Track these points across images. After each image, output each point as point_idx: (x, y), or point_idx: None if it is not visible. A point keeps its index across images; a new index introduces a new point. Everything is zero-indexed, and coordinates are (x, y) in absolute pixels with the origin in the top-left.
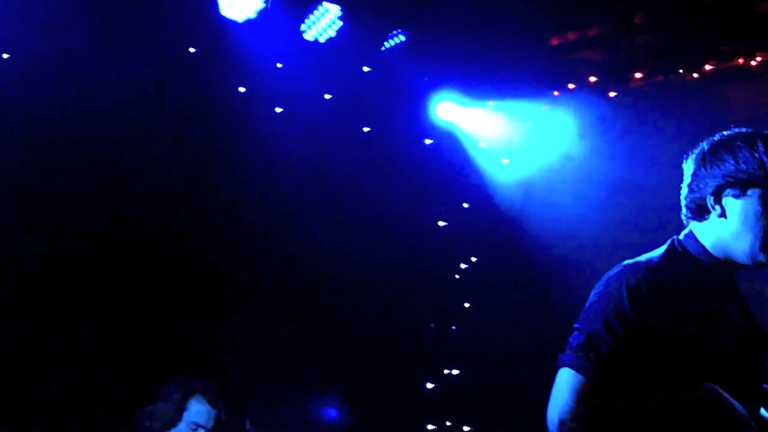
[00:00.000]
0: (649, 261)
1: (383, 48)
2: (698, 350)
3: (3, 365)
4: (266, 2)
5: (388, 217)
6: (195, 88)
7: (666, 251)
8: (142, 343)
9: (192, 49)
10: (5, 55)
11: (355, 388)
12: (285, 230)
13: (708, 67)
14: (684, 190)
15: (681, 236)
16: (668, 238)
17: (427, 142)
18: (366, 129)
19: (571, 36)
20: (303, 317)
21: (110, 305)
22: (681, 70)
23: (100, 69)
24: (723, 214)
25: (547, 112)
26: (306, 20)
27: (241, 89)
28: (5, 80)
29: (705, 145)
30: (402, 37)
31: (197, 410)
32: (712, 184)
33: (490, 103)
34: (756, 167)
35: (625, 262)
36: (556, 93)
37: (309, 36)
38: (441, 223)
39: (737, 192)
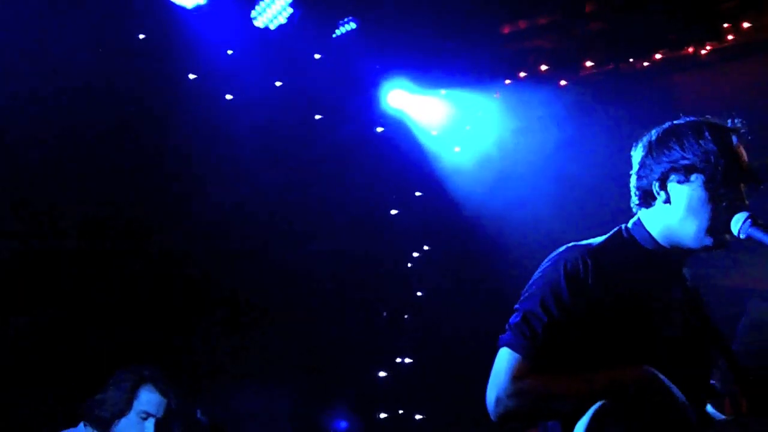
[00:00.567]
0: (589, 245)
1: (334, 35)
2: (637, 335)
3: None
4: None
5: (340, 205)
6: (144, 74)
7: (610, 237)
8: (93, 331)
9: (141, 36)
10: None
11: (307, 376)
12: (234, 219)
13: (658, 56)
14: (632, 178)
15: (629, 224)
16: (617, 225)
17: (379, 130)
18: (317, 117)
19: (523, 24)
20: (254, 306)
21: (60, 295)
22: (631, 59)
23: (48, 56)
24: (668, 200)
25: (499, 100)
26: (256, 7)
27: (192, 76)
28: None
29: (653, 133)
30: (353, 25)
31: (147, 399)
32: (658, 171)
33: (442, 91)
34: (701, 154)
35: (568, 244)
36: (507, 81)
37: (259, 23)
38: (393, 212)
39: (682, 178)
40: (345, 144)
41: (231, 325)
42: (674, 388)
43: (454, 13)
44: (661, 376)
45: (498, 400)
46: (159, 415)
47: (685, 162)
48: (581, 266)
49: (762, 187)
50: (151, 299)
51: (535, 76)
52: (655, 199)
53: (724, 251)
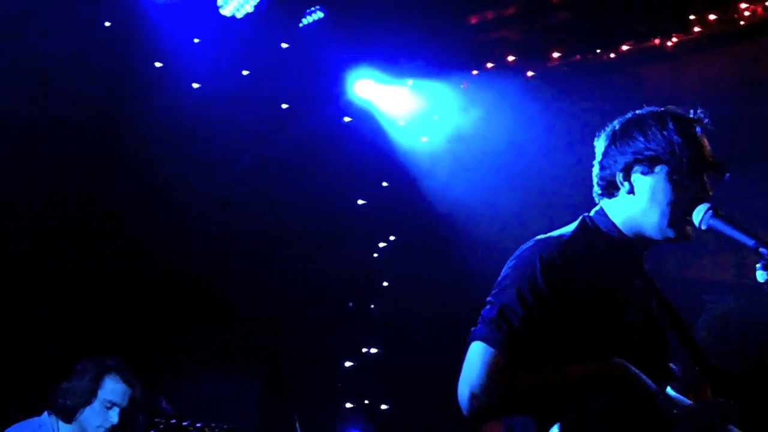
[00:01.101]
0: (561, 236)
1: (301, 25)
2: (607, 325)
3: None
4: None
5: (306, 195)
6: (110, 63)
7: (577, 227)
8: (57, 321)
9: (107, 23)
10: None
11: (273, 366)
12: (199, 209)
13: (625, 48)
14: (595, 168)
15: (592, 213)
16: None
17: (346, 120)
18: (284, 106)
19: (490, 15)
20: (220, 296)
21: (25, 285)
22: (598, 50)
23: (14, 45)
24: (631, 191)
25: (466, 90)
26: None
27: (158, 64)
28: None
29: (616, 123)
30: (320, 14)
31: (112, 388)
32: (621, 161)
33: (409, 81)
34: (664, 145)
35: (538, 237)
36: (474, 72)
37: (226, 11)
38: (360, 202)
39: (645, 169)
40: (312, 134)
41: (196, 314)
42: (646, 379)
43: (421, 3)
44: (632, 368)
45: (473, 395)
46: (123, 405)
47: (649, 153)
48: (557, 258)
49: (725, 177)
50: (115, 289)
51: (502, 67)
52: (618, 189)
53: (685, 242)
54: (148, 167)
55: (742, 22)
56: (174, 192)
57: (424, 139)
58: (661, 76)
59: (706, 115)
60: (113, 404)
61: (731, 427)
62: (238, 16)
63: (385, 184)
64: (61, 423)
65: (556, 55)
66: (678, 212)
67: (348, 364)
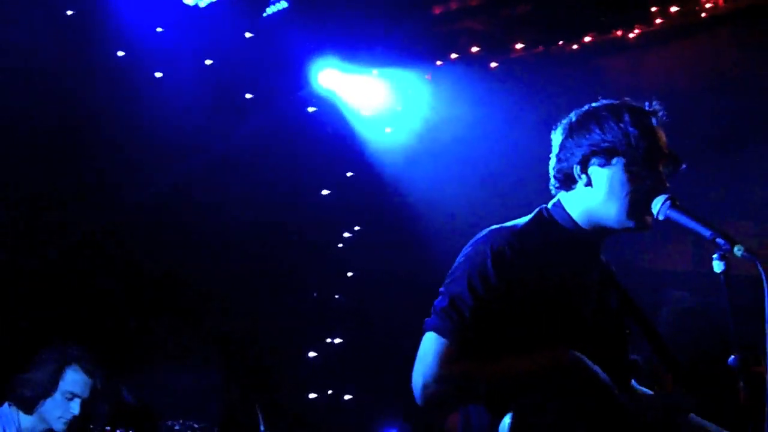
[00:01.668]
0: (513, 227)
1: (265, 14)
2: (560, 316)
3: None
4: None
5: (271, 185)
6: (72, 51)
7: (532, 218)
8: (18, 310)
9: (69, 12)
10: None
11: (237, 356)
12: (163, 198)
13: (587, 39)
14: (552, 161)
15: (549, 205)
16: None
17: (311, 109)
18: (248, 96)
19: (454, 5)
20: (183, 286)
21: None
22: (561, 41)
23: None
24: (589, 183)
25: (430, 81)
26: None
27: (120, 53)
28: None
29: (573, 116)
30: (284, 3)
31: (73, 379)
32: (578, 154)
33: (374, 71)
34: (621, 137)
35: (492, 227)
36: (438, 62)
37: (189, 0)
38: (324, 192)
39: (603, 161)
40: (276, 124)
41: (159, 304)
42: (598, 369)
43: None
44: (585, 359)
45: (425, 385)
46: (85, 396)
47: (606, 145)
48: (507, 249)
49: (681, 168)
50: (77, 279)
51: (467, 58)
52: (576, 182)
53: (642, 234)
54: (108, 157)
55: (703, 15)
56: (135, 182)
57: (388, 129)
58: (623, 67)
59: (661, 107)
60: (74, 395)
61: (691, 416)
62: (201, 5)
63: (349, 174)
64: (21, 414)
65: (519, 46)
66: (636, 203)
67: (312, 354)
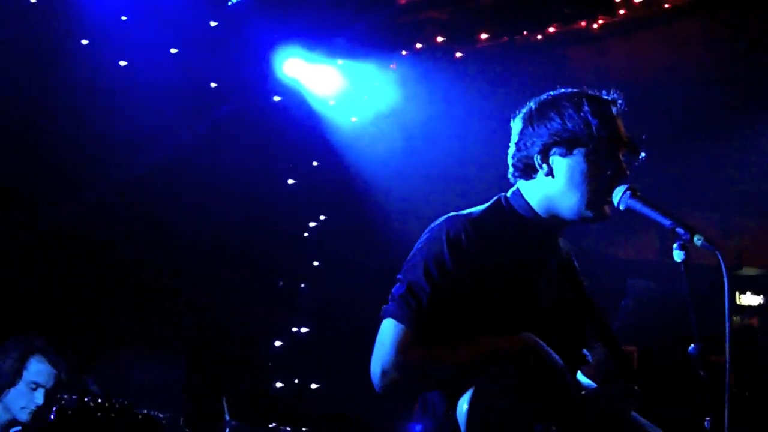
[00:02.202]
0: (470, 214)
1: (230, 3)
2: (515, 303)
3: None
4: None
5: (236, 174)
6: (36, 40)
7: (490, 206)
8: None
9: (33, 0)
10: None
11: (203, 346)
12: (128, 188)
13: (551, 29)
14: (511, 149)
15: (508, 194)
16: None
17: (276, 99)
18: (213, 85)
19: None
20: (148, 276)
21: None
22: (525, 32)
23: None
24: (550, 173)
25: (395, 71)
26: None
27: (84, 41)
28: None
29: (532, 104)
30: None
31: (37, 369)
32: (539, 143)
33: (339, 61)
34: (582, 126)
35: (449, 214)
36: (404, 52)
37: None
38: (290, 181)
39: (564, 151)
40: (241, 113)
41: (124, 294)
42: (554, 354)
43: None
44: (541, 343)
45: (384, 372)
46: (49, 386)
47: (566, 134)
48: (463, 236)
49: (639, 157)
50: (43, 270)
51: (431, 48)
52: (536, 171)
53: (610, 224)
54: (73, 147)
55: (666, 5)
56: (98, 173)
57: (353, 119)
58: (587, 57)
59: (620, 96)
60: (38, 385)
61: (633, 413)
62: None
63: (315, 163)
64: None
65: (484, 36)
66: (597, 193)
67: (278, 343)
